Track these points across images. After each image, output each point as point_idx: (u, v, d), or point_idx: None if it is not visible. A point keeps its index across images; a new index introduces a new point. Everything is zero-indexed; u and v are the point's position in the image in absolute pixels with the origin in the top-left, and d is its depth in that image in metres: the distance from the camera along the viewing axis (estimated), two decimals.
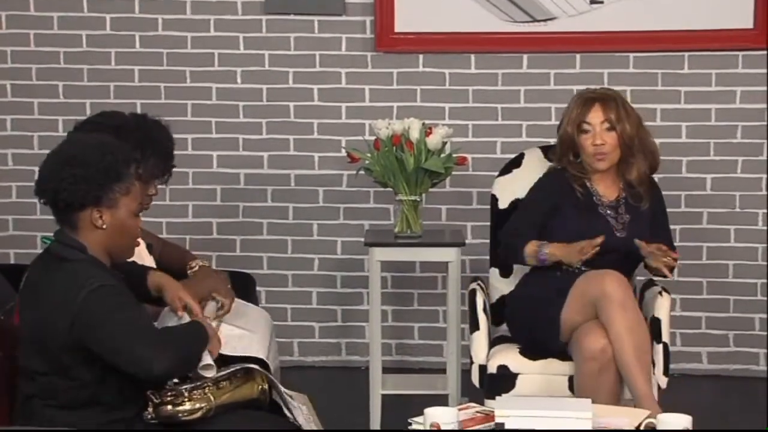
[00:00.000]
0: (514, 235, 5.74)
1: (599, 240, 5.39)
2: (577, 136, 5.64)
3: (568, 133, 5.67)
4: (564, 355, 5.50)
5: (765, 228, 7.37)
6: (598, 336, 5.31)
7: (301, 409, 4.80)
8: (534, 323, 5.59)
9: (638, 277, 5.82)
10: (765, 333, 7.42)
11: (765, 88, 7.28)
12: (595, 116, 5.60)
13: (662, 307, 5.62)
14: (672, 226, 7.11)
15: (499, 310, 6.00)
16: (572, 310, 5.47)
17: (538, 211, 5.72)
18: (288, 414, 4.75)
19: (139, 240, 5.07)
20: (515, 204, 5.95)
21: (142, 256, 5.04)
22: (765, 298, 7.40)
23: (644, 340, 5.35)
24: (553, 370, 5.48)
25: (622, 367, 5.27)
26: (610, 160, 5.63)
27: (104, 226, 4.31)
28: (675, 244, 7.13)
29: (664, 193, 6.90)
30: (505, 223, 5.90)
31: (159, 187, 5.11)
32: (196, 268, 5.13)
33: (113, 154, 4.37)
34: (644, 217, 5.73)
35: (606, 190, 5.72)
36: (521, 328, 5.73)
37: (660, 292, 5.66)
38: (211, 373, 4.39)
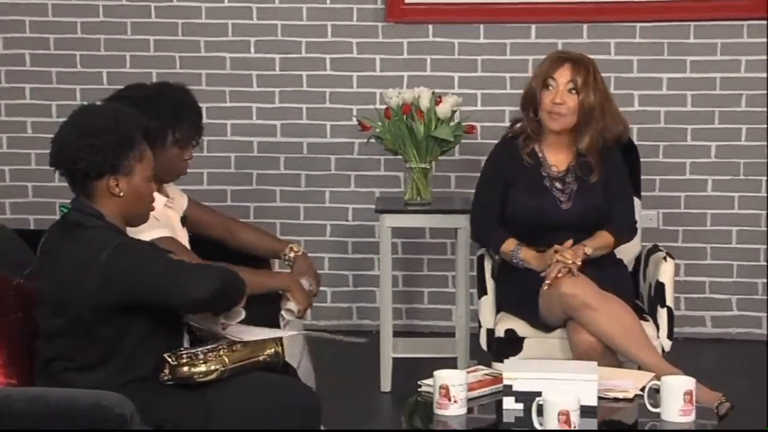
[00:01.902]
0: (485, 226, 5.76)
1: (560, 264, 5.38)
2: (539, 91, 5.59)
3: (533, 87, 5.64)
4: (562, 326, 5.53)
5: (767, 195, 7.38)
6: (585, 334, 5.32)
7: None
8: (519, 312, 5.62)
9: (642, 243, 5.82)
10: (767, 297, 7.44)
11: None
12: (562, 75, 5.55)
13: (666, 272, 5.63)
14: (675, 193, 7.19)
15: None
16: (548, 313, 5.50)
17: (498, 188, 5.71)
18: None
19: (177, 212, 5.14)
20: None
21: (176, 230, 5.07)
22: (767, 264, 7.42)
23: (626, 316, 5.33)
24: (559, 334, 5.50)
25: (619, 351, 5.27)
26: (564, 122, 5.59)
27: (121, 194, 4.34)
28: (678, 210, 7.21)
29: (668, 160, 6.93)
30: (473, 199, 5.91)
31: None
32: (293, 255, 5.30)
33: (126, 122, 4.40)
34: (593, 188, 5.67)
35: (556, 158, 5.69)
36: (509, 308, 5.75)
37: (664, 258, 5.67)
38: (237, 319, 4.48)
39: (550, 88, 5.56)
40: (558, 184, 5.64)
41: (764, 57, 7.24)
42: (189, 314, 4.49)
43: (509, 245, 5.60)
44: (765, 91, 7.30)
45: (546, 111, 5.57)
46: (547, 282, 5.34)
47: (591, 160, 5.64)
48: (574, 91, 5.54)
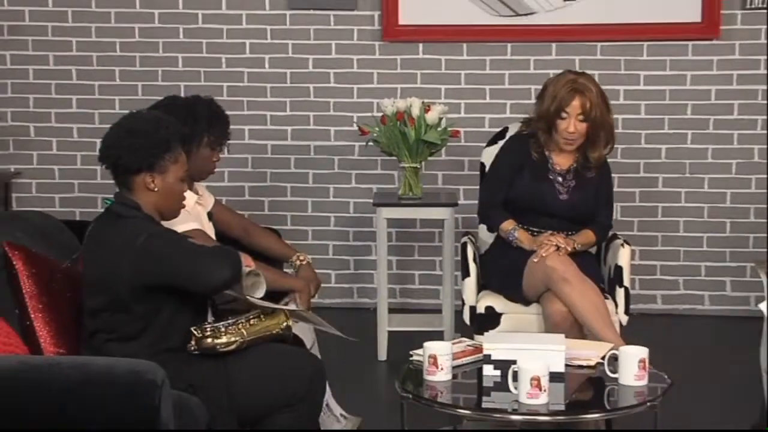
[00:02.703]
0: (490, 205, 5.73)
1: (553, 243, 5.41)
2: (555, 117, 5.55)
3: (549, 111, 5.57)
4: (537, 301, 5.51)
5: (709, 190, 7.38)
6: (559, 305, 5.31)
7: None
8: (502, 288, 5.59)
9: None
10: (709, 279, 7.45)
11: (712, 73, 7.28)
12: (574, 107, 5.51)
13: (623, 257, 5.63)
14: (632, 189, 7.20)
15: None
16: (529, 286, 5.49)
17: (506, 175, 5.68)
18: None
19: (205, 209, 5.15)
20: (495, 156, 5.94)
21: (204, 223, 5.08)
22: (709, 249, 7.42)
23: (596, 298, 5.33)
24: (532, 310, 5.49)
25: (586, 325, 5.25)
26: (576, 145, 5.59)
27: (156, 189, 4.38)
28: (635, 204, 7.20)
29: (625, 161, 6.94)
30: (483, 182, 5.91)
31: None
32: (299, 263, 5.27)
33: (165, 128, 4.45)
34: (589, 185, 5.67)
35: (561, 159, 5.67)
36: (492, 285, 5.73)
37: (622, 244, 5.67)
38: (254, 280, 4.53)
39: (564, 116, 5.52)
40: (560, 178, 5.64)
41: (707, 72, 7.24)
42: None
43: (508, 225, 5.61)
44: (707, 102, 7.30)
45: (562, 137, 5.56)
46: (541, 253, 5.37)
47: (592, 166, 5.65)
48: (582, 117, 5.51)
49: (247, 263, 4.59)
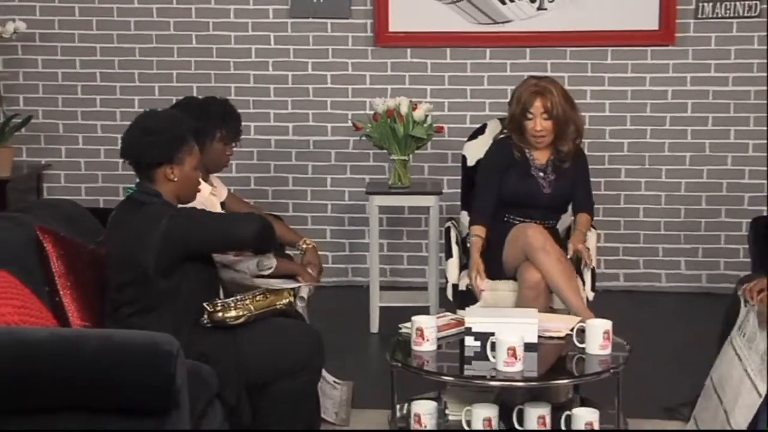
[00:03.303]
0: (479, 214, 5.64)
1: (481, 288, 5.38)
2: (522, 119, 5.54)
3: (516, 115, 5.56)
4: (513, 278, 5.49)
5: (666, 180, 7.38)
6: (534, 272, 5.28)
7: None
8: (487, 264, 5.57)
9: (572, 216, 5.79)
10: (665, 259, 7.46)
11: (668, 75, 7.28)
12: (537, 108, 5.48)
13: (590, 240, 5.63)
14: (597, 179, 7.18)
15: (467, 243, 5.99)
16: (510, 255, 5.46)
17: (493, 181, 5.61)
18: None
19: (219, 199, 5.15)
20: (479, 162, 5.87)
21: (217, 210, 5.08)
22: (666, 233, 7.43)
23: (568, 268, 5.34)
24: (507, 288, 5.48)
25: (557, 292, 5.26)
26: (546, 141, 5.55)
27: (175, 179, 4.44)
28: (600, 192, 7.20)
29: (592, 153, 6.93)
30: (474, 191, 5.80)
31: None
32: (305, 246, 5.24)
33: (179, 124, 4.50)
34: (567, 176, 5.63)
35: (539, 155, 5.62)
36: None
37: (589, 228, 5.67)
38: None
39: (529, 116, 5.50)
40: (541, 173, 5.60)
41: (664, 74, 7.25)
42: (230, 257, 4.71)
43: (475, 229, 5.55)
44: (664, 101, 7.30)
45: (531, 136, 5.54)
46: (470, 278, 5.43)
47: (566, 157, 5.60)
48: (547, 116, 5.48)
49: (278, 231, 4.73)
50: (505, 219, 5.60)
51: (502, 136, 5.76)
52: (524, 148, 5.62)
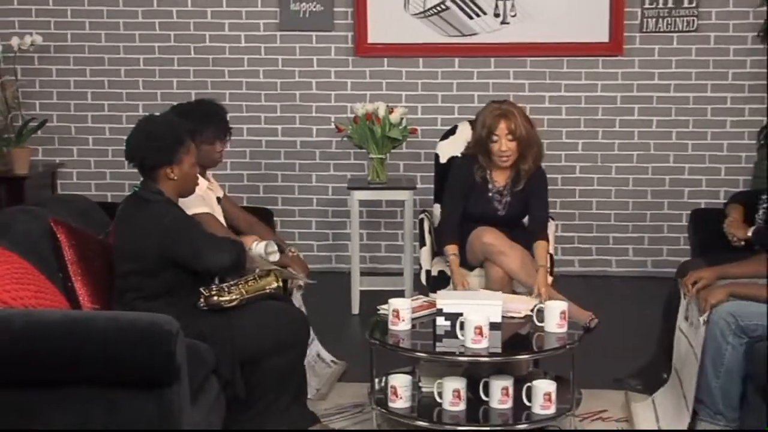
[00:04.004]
0: (447, 222, 5.52)
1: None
2: (487, 140, 5.41)
3: (482, 137, 5.44)
4: (479, 265, 5.46)
5: (616, 176, 7.39)
6: (497, 269, 5.27)
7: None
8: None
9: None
10: (615, 246, 7.46)
11: (617, 82, 7.28)
12: (501, 129, 5.35)
13: (549, 230, 5.61)
14: (555, 175, 7.19)
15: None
16: (471, 255, 5.43)
17: (459, 193, 5.49)
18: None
19: (215, 194, 5.13)
20: (452, 159, 5.85)
21: (214, 207, 5.05)
22: (615, 223, 7.44)
23: (528, 262, 5.28)
24: (475, 273, 5.47)
25: (521, 283, 5.24)
26: (511, 160, 5.42)
27: (175, 178, 4.43)
28: (557, 187, 7.20)
29: (550, 152, 6.93)
30: (443, 200, 5.70)
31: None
32: (291, 254, 5.13)
33: (176, 128, 4.49)
34: (521, 197, 5.50)
35: (499, 176, 5.49)
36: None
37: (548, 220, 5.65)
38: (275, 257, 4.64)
39: (494, 138, 5.37)
40: (498, 196, 5.49)
41: (614, 82, 7.25)
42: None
43: (450, 249, 5.42)
44: (613, 106, 7.30)
45: (497, 156, 5.40)
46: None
47: (524, 176, 5.47)
48: (511, 137, 5.36)
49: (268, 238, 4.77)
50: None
51: (468, 152, 5.63)
52: (485, 171, 5.50)
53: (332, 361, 5.25)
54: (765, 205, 5.43)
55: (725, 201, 5.87)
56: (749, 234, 5.29)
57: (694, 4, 7.12)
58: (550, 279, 5.42)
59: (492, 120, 5.39)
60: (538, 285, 5.15)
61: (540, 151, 5.51)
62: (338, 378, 5.29)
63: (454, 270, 5.37)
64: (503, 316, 4.60)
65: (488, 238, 5.30)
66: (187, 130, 4.50)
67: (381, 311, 4.83)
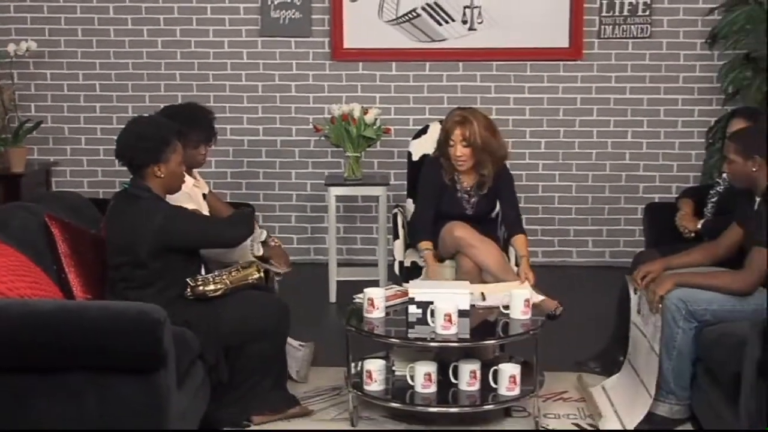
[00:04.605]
0: (419, 221, 5.50)
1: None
2: (445, 146, 5.41)
3: (441, 142, 5.46)
4: (450, 257, 5.45)
5: (576, 172, 7.40)
6: (467, 261, 5.26)
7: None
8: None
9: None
10: (576, 238, 7.48)
11: (577, 85, 7.29)
12: (457, 135, 5.34)
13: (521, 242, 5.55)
14: (519, 172, 7.21)
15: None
16: (443, 249, 5.41)
17: (431, 194, 5.47)
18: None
19: (201, 191, 5.11)
20: (423, 157, 5.81)
21: (200, 203, 5.03)
22: (576, 217, 7.45)
23: (496, 252, 5.28)
24: (445, 265, 5.46)
25: (491, 274, 5.22)
26: (467, 165, 5.39)
27: (162, 176, 4.42)
28: (522, 183, 7.21)
29: (515, 151, 6.95)
30: (416, 201, 5.67)
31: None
32: (273, 243, 5.07)
33: (163, 128, 4.48)
34: (488, 197, 5.50)
35: (466, 178, 5.48)
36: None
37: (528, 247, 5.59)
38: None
39: (451, 143, 5.37)
40: (466, 196, 5.48)
41: (573, 85, 7.27)
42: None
43: (424, 245, 5.40)
44: (574, 106, 7.32)
45: (453, 160, 5.39)
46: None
47: (487, 179, 5.45)
48: (465, 143, 5.34)
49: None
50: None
51: (433, 155, 5.63)
52: (453, 174, 5.48)
53: (300, 345, 5.25)
54: (713, 200, 5.49)
55: (677, 196, 5.92)
56: (699, 226, 5.36)
57: (647, 13, 7.15)
58: (515, 268, 5.43)
59: (450, 126, 5.39)
60: (524, 272, 5.17)
61: (502, 156, 5.49)
62: (312, 360, 5.28)
63: (429, 264, 5.36)
64: (472, 304, 4.61)
65: (459, 232, 5.29)
66: (174, 130, 4.49)
67: (356, 300, 4.83)
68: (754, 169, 4.46)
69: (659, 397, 4.52)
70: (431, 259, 5.36)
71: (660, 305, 4.48)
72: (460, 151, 5.35)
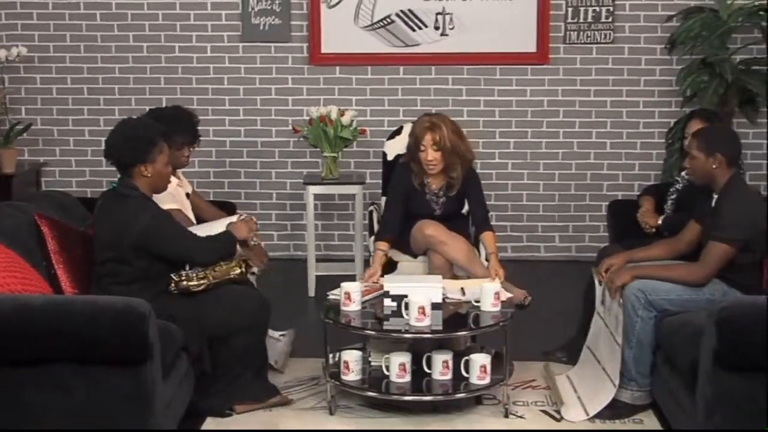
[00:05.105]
0: (386, 222, 5.47)
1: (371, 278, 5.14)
2: (416, 150, 5.38)
3: (412, 147, 5.43)
4: (423, 254, 5.44)
5: (544, 171, 7.42)
6: (438, 257, 5.26)
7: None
8: (398, 245, 5.47)
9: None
10: (543, 234, 7.50)
11: (544, 88, 7.31)
12: (427, 140, 5.30)
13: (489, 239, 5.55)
14: (489, 171, 7.23)
15: None
16: (415, 245, 5.40)
17: (399, 198, 5.44)
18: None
19: (185, 190, 5.11)
20: (398, 157, 5.78)
21: (183, 202, 5.03)
22: (543, 213, 7.47)
23: (466, 247, 5.28)
24: (418, 260, 5.47)
25: (462, 268, 5.24)
26: (437, 168, 5.36)
27: (149, 175, 4.43)
28: (492, 182, 7.23)
29: (485, 150, 6.97)
30: (385, 204, 5.64)
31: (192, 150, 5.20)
32: (253, 244, 4.98)
33: (150, 130, 4.48)
34: (456, 198, 5.48)
35: (434, 181, 5.45)
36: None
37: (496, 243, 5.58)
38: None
39: (422, 148, 5.33)
40: (434, 198, 5.46)
41: (540, 87, 7.28)
42: None
43: (380, 245, 5.36)
44: (541, 108, 7.34)
45: (424, 165, 5.35)
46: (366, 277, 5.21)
47: (455, 182, 5.43)
48: (436, 147, 5.31)
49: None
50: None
51: (403, 160, 5.61)
52: (422, 178, 5.45)
53: (280, 335, 5.25)
54: (673, 197, 5.54)
55: (639, 193, 5.96)
56: (659, 222, 5.41)
57: (610, 20, 7.18)
58: (485, 263, 5.44)
59: (420, 131, 5.36)
60: (494, 268, 5.16)
61: (470, 159, 5.48)
62: (291, 351, 5.27)
63: (375, 263, 5.28)
64: (444, 297, 4.63)
65: (429, 230, 5.29)
66: (161, 132, 4.49)
67: (330, 297, 4.83)
68: (714, 166, 4.52)
69: (622, 384, 4.55)
70: (378, 260, 5.30)
71: (618, 294, 4.52)
72: (431, 155, 5.33)
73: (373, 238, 5.68)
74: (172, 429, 4.14)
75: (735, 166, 4.56)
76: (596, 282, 4.90)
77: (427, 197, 5.48)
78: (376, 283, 5.01)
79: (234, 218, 4.86)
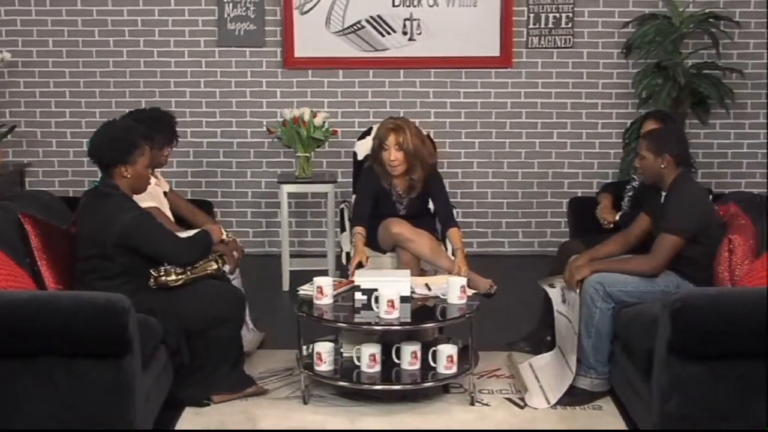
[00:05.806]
0: (358, 216, 5.43)
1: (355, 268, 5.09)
2: (379, 151, 5.40)
3: (375, 148, 5.44)
4: (391, 250, 5.44)
5: (508, 170, 7.44)
6: (405, 253, 5.27)
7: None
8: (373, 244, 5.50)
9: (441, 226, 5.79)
10: (507, 230, 7.53)
11: (508, 90, 7.33)
12: (390, 140, 5.32)
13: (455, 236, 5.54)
14: (455, 170, 7.26)
15: None
16: (382, 242, 5.41)
17: (367, 197, 5.43)
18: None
19: (162, 189, 5.09)
20: (367, 156, 5.73)
21: (161, 200, 5.01)
22: (507, 210, 7.50)
23: (432, 243, 5.29)
24: (387, 256, 5.47)
25: (429, 263, 5.26)
26: (400, 169, 5.36)
27: (129, 176, 4.41)
28: (458, 180, 7.25)
29: (451, 150, 6.98)
30: (355, 202, 5.63)
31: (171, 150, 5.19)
32: (226, 238, 4.93)
33: (133, 132, 4.46)
34: (420, 199, 5.50)
35: (399, 183, 5.45)
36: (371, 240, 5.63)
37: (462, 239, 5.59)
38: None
39: (385, 148, 5.35)
40: (399, 199, 5.47)
41: (504, 90, 7.30)
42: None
43: (357, 230, 5.34)
44: (504, 110, 7.36)
45: (387, 165, 5.36)
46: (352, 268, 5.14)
47: (417, 184, 5.44)
48: (398, 148, 5.32)
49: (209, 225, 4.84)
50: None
51: (367, 164, 5.61)
52: (388, 180, 5.44)
53: (253, 328, 5.26)
54: (630, 194, 5.58)
55: (597, 191, 5.99)
56: (617, 218, 5.45)
57: (570, 26, 7.22)
58: (452, 258, 5.45)
59: (384, 132, 5.38)
60: (458, 264, 5.16)
61: (433, 164, 5.48)
62: (258, 345, 5.27)
63: (358, 245, 5.28)
64: (413, 291, 4.65)
65: (396, 228, 5.30)
66: (142, 134, 4.48)
67: (300, 292, 4.82)
68: (662, 166, 4.58)
69: (580, 371, 4.59)
70: (360, 242, 5.30)
71: (578, 288, 4.56)
72: (393, 155, 5.33)
73: (344, 234, 5.68)
74: (152, 417, 4.13)
75: (683, 166, 4.63)
76: (547, 290, 4.94)
77: (392, 199, 5.49)
78: (367, 262, 5.09)
79: (192, 233, 4.78)
